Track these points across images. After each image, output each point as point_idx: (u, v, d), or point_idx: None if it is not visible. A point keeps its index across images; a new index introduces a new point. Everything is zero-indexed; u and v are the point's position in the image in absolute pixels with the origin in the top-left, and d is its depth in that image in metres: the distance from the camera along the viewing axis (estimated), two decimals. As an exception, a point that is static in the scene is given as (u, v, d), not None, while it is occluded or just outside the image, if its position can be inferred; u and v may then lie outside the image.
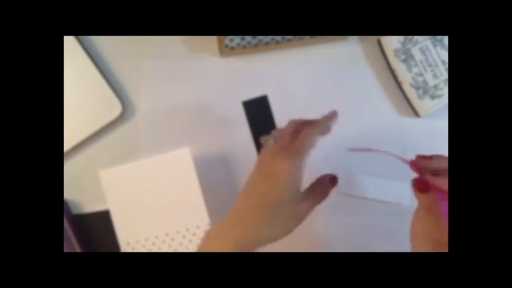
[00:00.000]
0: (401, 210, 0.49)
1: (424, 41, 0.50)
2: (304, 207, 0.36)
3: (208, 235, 0.38)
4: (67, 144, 0.49)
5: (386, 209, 0.52)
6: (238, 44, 0.50)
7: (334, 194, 0.52)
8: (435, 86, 0.50)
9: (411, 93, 0.51)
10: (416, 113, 0.52)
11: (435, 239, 0.34)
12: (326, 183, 0.40)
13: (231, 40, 0.49)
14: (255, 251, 0.37)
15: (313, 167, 0.50)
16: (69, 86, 0.49)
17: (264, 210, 0.35)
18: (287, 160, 0.35)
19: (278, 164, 0.35)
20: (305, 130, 0.37)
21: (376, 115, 0.52)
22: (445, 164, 0.36)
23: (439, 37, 0.50)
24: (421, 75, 0.50)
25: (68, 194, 0.51)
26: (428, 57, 0.50)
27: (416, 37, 0.50)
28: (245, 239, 0.36)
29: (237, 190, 0.52)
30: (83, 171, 0.51)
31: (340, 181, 0.44)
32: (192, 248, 0.50)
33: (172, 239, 0.50)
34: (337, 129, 0.52)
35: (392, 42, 0.51)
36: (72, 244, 0.49)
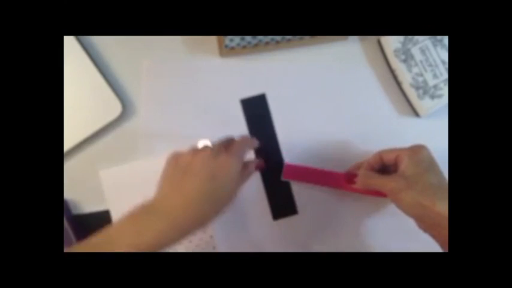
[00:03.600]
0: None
1: (424, 41, 0.50)
2: (235, 194, 0.41)
3: (136, 218, 0.38)
4: (67, 144, 0.49)
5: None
6: (238, 44, 0.50)
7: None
8: (435, 86, 0.50)
9: (411, 93, 0.51)
10: (416, 113, 0.52)
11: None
12: (251, 172, 0.45)
13: (231, 40, 0.49)
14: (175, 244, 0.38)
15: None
16: (69, 86, 0.49)
17: (203, 204, 0.38)
18: (237, 158, 0.40)
19: (222, 162, 0.39)
20: (238, 142, 0.43)
21: (376, 115, 0.52)
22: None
23: (439, 37, 0.50)
24: (421, 75, 0.50)
25: (68, 194, 0.51)
26: (428, 57, 0.50)
27: (416, 37, 0.50)
28: (169, 235, 0.37)
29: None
30: (83, 171, 0.51)
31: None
32: (192, 248, 0.50)
33: (172, 239, 0.50)
34: (337, 129, 0.52)
35: (392, 42, 0.51)
36: (72, 244, 0.48)
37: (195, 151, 0.41)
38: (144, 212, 0.38)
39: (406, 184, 0.40)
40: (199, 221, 0.38)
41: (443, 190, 0.40)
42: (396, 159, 0.43)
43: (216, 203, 0.39)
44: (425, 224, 0.40)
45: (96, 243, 0.36)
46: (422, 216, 0.40)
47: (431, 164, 0.42)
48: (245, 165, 0.43)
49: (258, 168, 0.48)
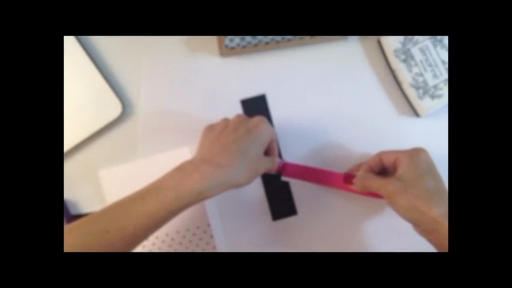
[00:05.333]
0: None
1: (424, 41, 0.50)
2: (261, 165, 0.43)
3: (180, 168, 0.40)
4: (67, 144, 0.49)
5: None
6: (238, 44, 0.50)
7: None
8: (435, 86, 0.50)
9: (411, 93, 0.51)
10: (416, 113, 0.52)
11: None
12: (275, 161, 0.46)
13: (231, 40, 0.49)
14: (214, 195, 0.39)
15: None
16: (69, 86, 0.49)
17: (238, 155, 0.40)
18: (268, 125, 0.44)
19: (260, 123, 0.43)
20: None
21: (376, 115, 0.52)
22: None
23: (439, 37, 0.50)
24: (421, 75, 0.50)
25: (68, 194, 0.51)
26: (428, 57, 0.50)
27: (416, 37, 0.50)
28: (213, 177, 0.39)
29: (236, 190, 0.52)
30: (83, 171, 0.51)
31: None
32: (192, 248, 0.50)
33: (172, 239, 0.50)
34: (337, 129, 0.52)
35: (392, 42, 0.51)
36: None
37: (227, 119, 0.45)
38: (187, 161, 0.41)
39: (402, 188, 0.40)
40: (234, 173, 0.40)
41: (440, 195, 0.40)
42: (395, 162, 0.43)
43: (248, 160, 0.41)
44: (421, 228, 0.40)
45: (146, 190, 0.39)
46: (418, 220, 0.40)
47: (430, 168, 0.42)
48: (271, 146, 0.46)
49: (279, 168, 0.48)
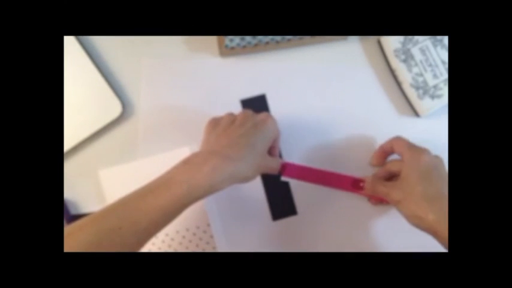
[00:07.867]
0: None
1: (424, 41, 0.50)
2: (266, 162, 0.43)
3: (188, 161, 0.40)
4: (67, 144, 0.49)
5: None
6: (238, 44, 0.50)
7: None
8: (435, 86, 0.50)
9: (411, 93, 0.51)
10: (416, 113, 0.52)
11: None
12: (278, 162, 0.46)
13: (231, 40, 0.49)
14: (223, 188, 0.39)
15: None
16: (69, 86, 0.49)
17: (246, 148, 0.40)
18: (275, 122, 0.44)
19: (268, 118, 0.43)
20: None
21: (376, 115, 0.52)
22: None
23: (439, 37, 0.50)
24: (421, 75, 0.50)
25: (68, 194, 0.51)
26: (428, 57, 0.50)
27: (416, 37, 0.50)
28: (223, 169, 0.38)
29: (236, 189, 0.52)
30: (83, 171, 0.51)
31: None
32: (192, 248, 0.50)
33: (172, 239, 0.50)
34: (337, 129, 0.52)
35: (392, 42, 0.51)
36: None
37: (232, 113, 0.45)
38: (194, 154, 0.40)
39: (403, 196, 0.42)
40: (243, 166, 0.40)
41: (438, 200, 0.40)
42: (398, 166, 0.45)
43: (256, 154, 0.41)
44: (426, 232, 0.41)
45: (155, 184, 0.39)
46: (420, 226, 0.41)
47: (430, 172, 0.42)
48: (273, 144, 0.46)
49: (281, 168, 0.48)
